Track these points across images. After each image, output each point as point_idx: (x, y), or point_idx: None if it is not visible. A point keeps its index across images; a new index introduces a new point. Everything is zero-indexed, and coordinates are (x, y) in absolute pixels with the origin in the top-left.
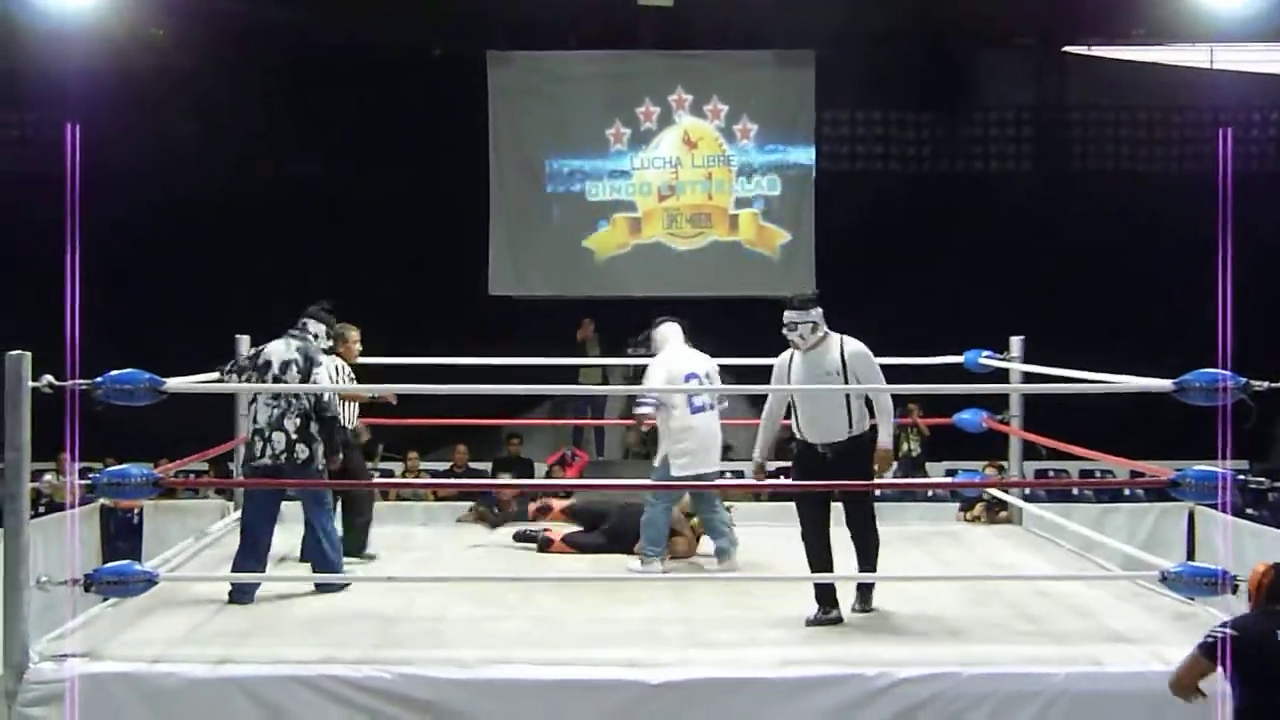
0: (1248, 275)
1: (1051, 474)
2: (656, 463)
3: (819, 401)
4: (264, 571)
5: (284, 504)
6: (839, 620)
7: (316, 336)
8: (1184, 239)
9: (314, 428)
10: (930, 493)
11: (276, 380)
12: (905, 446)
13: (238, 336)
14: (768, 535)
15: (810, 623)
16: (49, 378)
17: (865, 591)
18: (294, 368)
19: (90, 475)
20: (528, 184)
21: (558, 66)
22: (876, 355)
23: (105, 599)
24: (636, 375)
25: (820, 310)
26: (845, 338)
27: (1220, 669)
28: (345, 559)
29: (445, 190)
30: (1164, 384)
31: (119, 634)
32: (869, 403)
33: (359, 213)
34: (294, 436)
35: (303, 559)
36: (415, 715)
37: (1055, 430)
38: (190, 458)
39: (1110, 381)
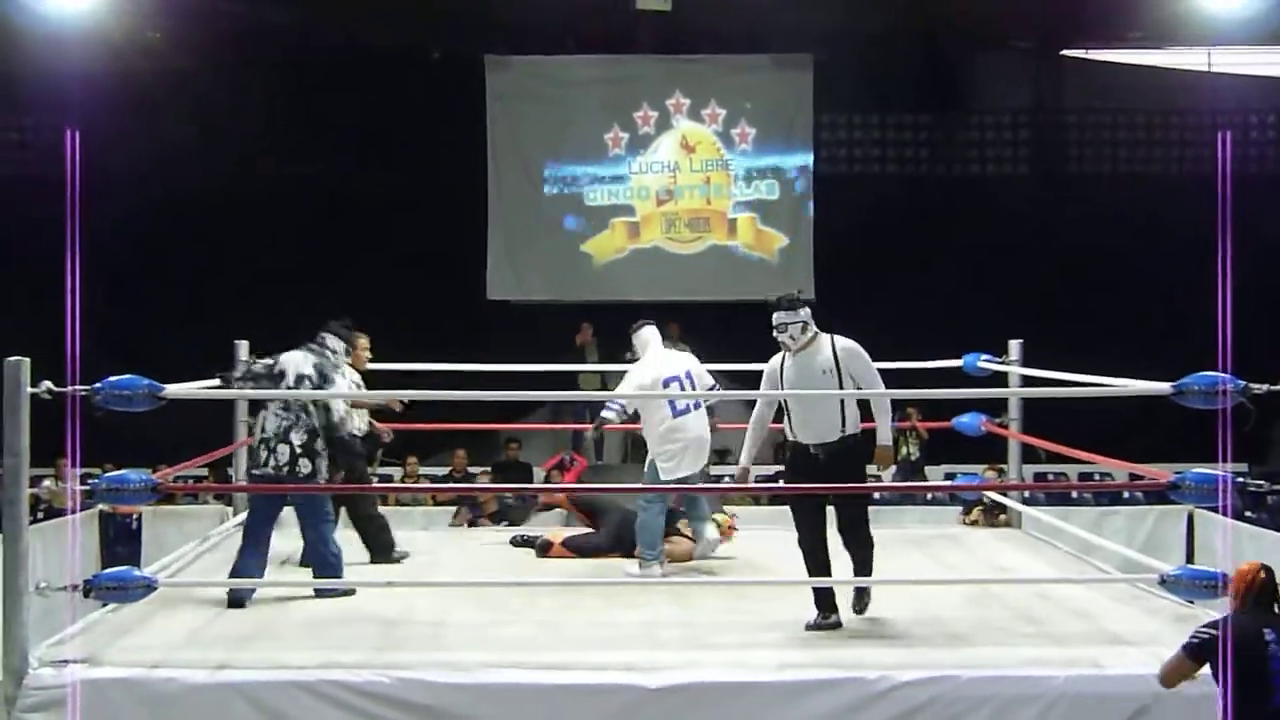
0: (1247, 278)
1: (1050, 477)
2: (646, 466)
3: (812, 402)
4: (263, 574)
5: (285, 509)
6: (838, 625)
7: (334, 353)
8: (1182, 241)
9: (320, 444)
10: (929, 496)
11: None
12: (904, 450)
13: (236, 342)
14: (766, 539)
15: (810, 627)
16: (48, 384)
17: (862, 592)
18: (308, 383)
19: (89, 481)
20: (526, 188)
21: (556, 71)
22: (875, 359)
23: (104, 604)
24: None
25: (809, 310)
26: (835, 336)
27: (1209, 670)
28: (379, 564)
29: (444, 193)
30: (1163, 387)
31: (118, 639)
32: (863, 403)
33: (358, 215)
34: (299, 450)
35: (303, 564)
36: None
37: (1054, 433)
38: (189, 463)
39: (1109, 385)
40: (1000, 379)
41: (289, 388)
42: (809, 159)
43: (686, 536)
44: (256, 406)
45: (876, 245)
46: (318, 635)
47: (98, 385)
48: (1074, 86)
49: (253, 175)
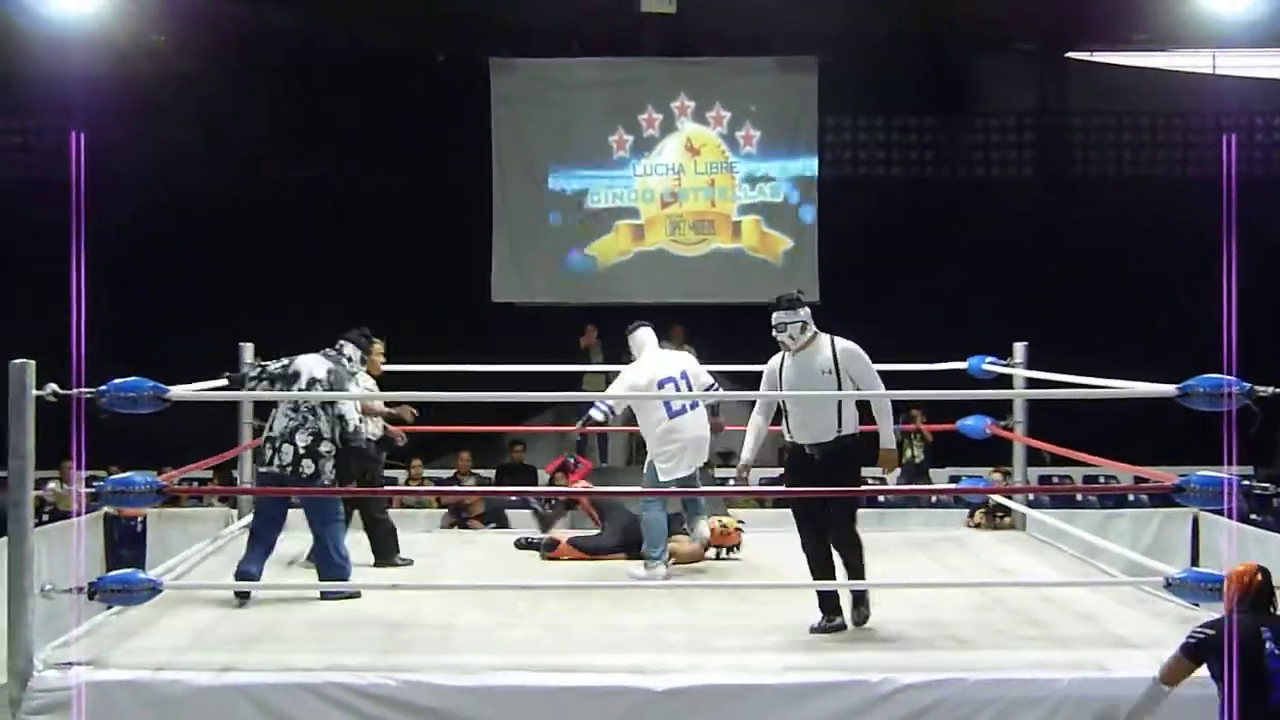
0: (1251, 280)
1: (1055, 479)
2: (645, 468)
3: (810, 402)
4: (261, 573)
5: (291, 511)
6: (843, 627)
7: (350, 360)
8: (1187, 244)
9: (324, 447)
10: (934, 499)
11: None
12: (909, 453)
13: (241, 344)
14: (771, 541)
15: (814, 630)
16: (53, 386)
17: (860, 597)
18: (319, 388)
19: (94, 483)
20: (530, 191)
21: (560, 73)
22: (880, 361)
23: (109, 607)
24: None
25: (808, 310)
26: (835, 337)
27: (1207, 670)
28: (382, 567)
29: (449, 196)
30: (1168, 389)
31: (123, 642)
32: (862, 405)
33: (363, 218)
34: (301, 451)
35: (308, 561)
36: None
37: (1059, 436)
38: (194, 465)
39: (1114, 387)
40: (1005, 381)
41: (300, 389)
42: (814, 162)
43: (686, 539)
44: (265, 407)
45: (881, 248)
46: (323, 637)
47: (103, 387)
48: (1078, 89)
49: (257, 178)
